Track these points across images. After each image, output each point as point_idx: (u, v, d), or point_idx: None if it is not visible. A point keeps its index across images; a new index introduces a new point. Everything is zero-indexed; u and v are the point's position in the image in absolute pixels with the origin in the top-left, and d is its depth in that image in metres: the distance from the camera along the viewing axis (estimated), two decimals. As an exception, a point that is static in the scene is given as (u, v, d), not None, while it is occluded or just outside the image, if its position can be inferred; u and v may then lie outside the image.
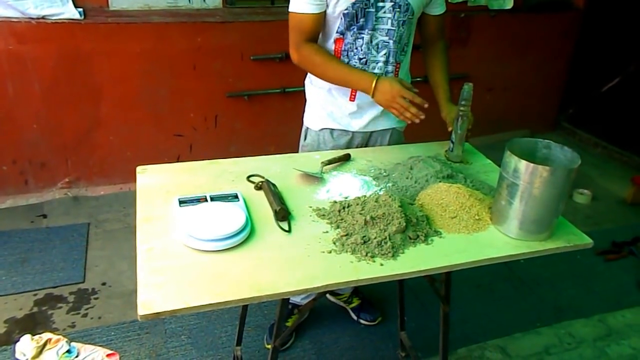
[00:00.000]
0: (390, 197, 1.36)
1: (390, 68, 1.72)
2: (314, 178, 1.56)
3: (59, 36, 2.77)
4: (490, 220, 1.41)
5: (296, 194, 1.48)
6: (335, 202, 1.43)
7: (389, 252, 1.25)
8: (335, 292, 2.32)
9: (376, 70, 1.70)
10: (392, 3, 1.61)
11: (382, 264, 1.23)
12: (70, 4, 2.74)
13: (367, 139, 1.87)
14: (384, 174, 1.62)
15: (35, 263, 2.57)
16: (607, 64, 4.02)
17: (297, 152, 1.93)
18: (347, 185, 1.53)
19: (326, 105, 1.81)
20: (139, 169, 1.58)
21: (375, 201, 1.37)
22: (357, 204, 1.38)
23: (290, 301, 2.13)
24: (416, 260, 1.25)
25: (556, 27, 3.98)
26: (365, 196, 1.42)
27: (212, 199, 1.38)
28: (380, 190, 1.52)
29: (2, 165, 2.96)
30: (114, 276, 2.54)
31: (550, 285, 2.66)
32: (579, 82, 4.22)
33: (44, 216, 2.96)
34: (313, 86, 1.83)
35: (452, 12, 3.54)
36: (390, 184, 1.55)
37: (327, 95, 1.79)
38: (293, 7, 1.63)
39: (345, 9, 1.59)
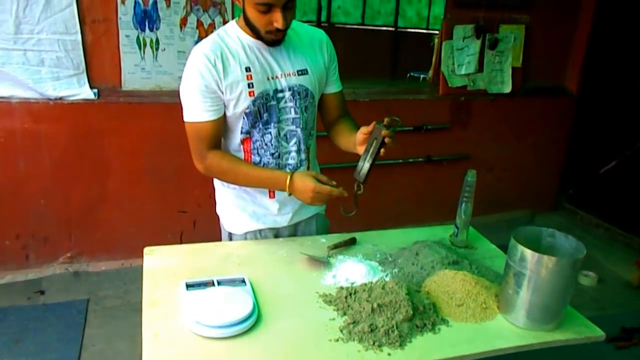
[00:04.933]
0: (397, 284, 1.36)
1: (303, 156, 1.67)
2: (321, 262, 1.56)
3: (73, 115, 2.88)
4: (498, 308, 1.40)
5: (303, 279, 1.48)
6: (341, 287, 1.43)
7: (397, 341, 1.24)
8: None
9: (290, 161, 1.65)
10: (291, 91, 1.59)
11: (389, 354, 1.21)
12: (87, 85, 2.86)
13: (293, 231, 1.80)
14: (390, 259, 1.62)
15: (29, 343, 2.50)
16: (604, 146, 4.13)
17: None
18: (354, 270, 1.54)
19: (246, 207, 1.71)
20: (146, 250, 1.59)
21: (382, 288, 1.37)
22: (364, 291, 1.38)
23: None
24: (424, 350, 1.23)
25: (553, 111, 4.12)
26: (371, 282, 1.42)
27: (219, 283, 1.38)
28: (386, 276, 1.52)
29: (5, 239, 2.97)
30: (112, 356, 2.47)
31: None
32: (578, 163, 4.31)
33: (42, 292, 2.92)
34: (227, 188, 1.72)
35: (452, 96, 3.71)
36: (396, 270, 1.55)
37: (245, 196, 1.70)
38: (188, 117, 1.55)
39: (247, 108, 1.55)
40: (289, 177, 1.53)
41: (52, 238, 3.05)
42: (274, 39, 1.51)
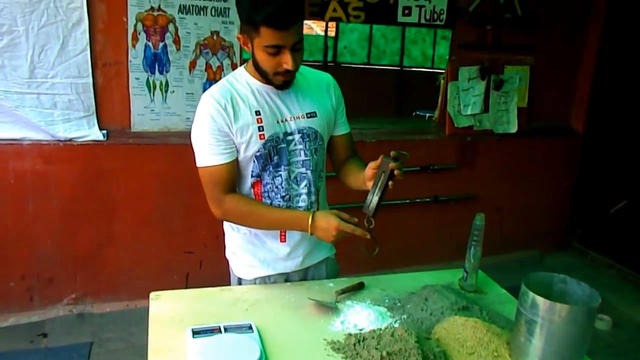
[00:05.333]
0: (406, 331, 1.33)
1: (313, 198, 1.67)
2: (329, 308, 1.54)
3: (83, 156, 2.91)
4: (510, 357, 1.37)
5: (311, 326, 1.45)
6: (350, 334, 1.40)
7: (407, 391, 1.20)
8: None
9: (301, 204, 1.65)
10: (301, 134, 1.60)
11: (400, 406, 1.17)
12: (96, 127, 2.90)
13: (303, 276, 1.78)
14: (399, 304, 1.59)
15: (31, 388, 2.47)
16: (612, 185, 4.11)
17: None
18: (362, 316, 1.51)
19: (256, 252, 1.69)
20: (152, 295, 1.57)
21: (391, 335, 1.34)
22: (373, 338, 1.35)
23: None
24: (436, 401, 1.20)
25: (559, 150, 4.13)
26: (380, 329, 1.39)
27: (226, 329, 1.35)
28: (395, 322, 1.49)
29: (10, 281, 2.95)
30: (114, 403, 2.42)
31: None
32: (586, 203, 4.28)
33: (45, 335, 2.88)
34: (237, 232, 1.70)
35: (458, 136, 3.73)
36: (405, 316, 1.52)
37: (255, 241, 1.68)
38: (202, 162, 1.54)
39: (257, 151, 1.55)
40: (310, 216, 1.53)
41: (57, 279, 3.04)
42: (283, 81, 1.53)
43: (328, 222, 1.50)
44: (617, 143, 4.07)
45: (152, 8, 2.90)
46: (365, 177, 1.55)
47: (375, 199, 1.49)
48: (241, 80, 1.59)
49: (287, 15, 1.40)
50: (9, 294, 2.96)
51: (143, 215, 3.11)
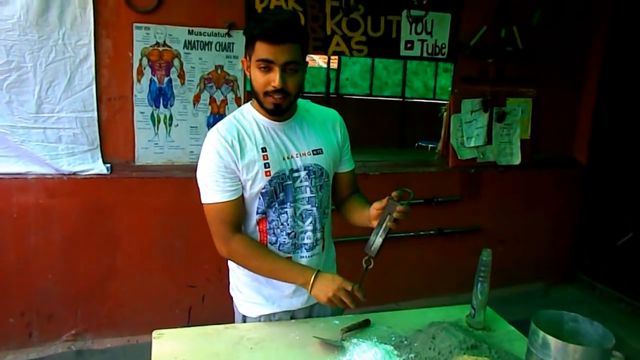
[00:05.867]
0: (414, 372, 1.30)
1: (318, 235, 1.66)
2: (334, 346, 1.50)
3: (86, 190, 2.90)
4: (522, 398, 1.33)
5: (316, 366, 1.42)
6: (356, 375, 1.37)
7: None
8: None
9: (306, 240, 1.65)
10: (307, 171, 1.61)
11: None
12: (100, 160, 2.91)
13: (309, 313, 1.76)
14: (406, 342, 1.56)
15: None
16: (619, 217, 4.07)
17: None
18: (369, 354, 1.47)
19: (261, 289, 1.68)
20: (155, 333, 1.54)
21: (399, 376, 1.30)
22: (380, 379, 1.32)
23: None
24: None
25: (563, 181, 4.12)
26: (387, 369, 1.36)
27: (229, 371, 1.32)
28: (402, 362, 1.46)
29: (9, 317, 2.91)
30: None
31: None
32: (592, 234, 4.24)
33: (43, 373, 2.84)
34: (242, 269, 1.68)
35: (462, 168, 3.72)
36: (412, 355, 1.49)
37: (260, 278, 1.66)
38: (208, 198, 1.54)
39: (263, 188, 1.56)
40: (314, 273, 1.53)
41: (56, 315, 2.99)
42: (274, 104, 1.50)
43: (333, 277, 1.51)
44: (621, 174, 4.05)
45: (157, 43, 2.94)
46: (371, 217, 1.56)
47: (379, 240, 1.50)
48: (247, 117, 1.59)
49: (282, 31, 1.43)
50: (8, 331, 2.91)
51: (145, 248, 3.09)
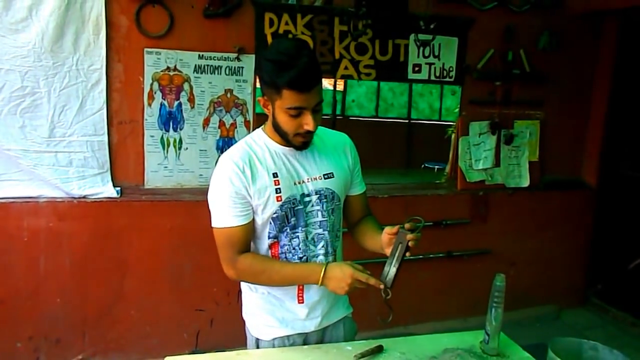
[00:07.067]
0: (430, 401, 1.28)
1: (330, 258, 1.66)
2: (347, 375, 1.49)
3: (96, 213, 2.91)
4: None
5: (329, 394, 1.40)
6: (371, 404, 1.34)
7: None
8: None
9: None
10: (318, 195, 1.61)
11: None
12: (110, 183, 2.93)
13: (322, 335, 1.75)
14: (420, 370, 1.54)
15: None
16: (631, 240, 4.02)
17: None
18: (382, 383, 1.45)
19: (275, 312, 1.68)
20: (166, 360, 1.53)
21: (415, 406, 1.28)
22: (395, 408, 1.29)
23: None
24: None
25: (572, 204, 4.09)
26: (402, 398, 1.33)
27: (242, 400, 1.30)
28: (417, 390, 1.43)
29: (17, 341, 2.90)
30: None
31: None
32: (604, 257, 4.19)
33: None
34: (255, 292, 1.69)
35: (470, 191, 3.71)
36: (427, 383, 1.47)
37: (274, 301, 1.67)
38: (218, 223, 1.55)
39: (274, 213, 1.56)
40: (323, 268, 1.52)
41: (64, 339, 2.98)
42: (302, 142, 1.55)
43: (342, 271, 1.49)
44: (632, 197, 4.02)
45: (168, 68, 2.98)
46: (383, 243, 1.56)
47: (393, 270, 1.51)
48: (259, 142, 1.60)
49: (309, 78, 1.44)
50: (16, 355, 2.90)
51: (154, 272, 3.08)
